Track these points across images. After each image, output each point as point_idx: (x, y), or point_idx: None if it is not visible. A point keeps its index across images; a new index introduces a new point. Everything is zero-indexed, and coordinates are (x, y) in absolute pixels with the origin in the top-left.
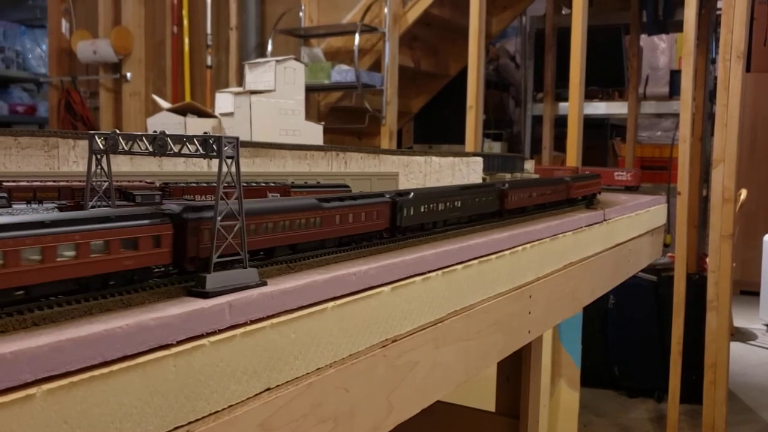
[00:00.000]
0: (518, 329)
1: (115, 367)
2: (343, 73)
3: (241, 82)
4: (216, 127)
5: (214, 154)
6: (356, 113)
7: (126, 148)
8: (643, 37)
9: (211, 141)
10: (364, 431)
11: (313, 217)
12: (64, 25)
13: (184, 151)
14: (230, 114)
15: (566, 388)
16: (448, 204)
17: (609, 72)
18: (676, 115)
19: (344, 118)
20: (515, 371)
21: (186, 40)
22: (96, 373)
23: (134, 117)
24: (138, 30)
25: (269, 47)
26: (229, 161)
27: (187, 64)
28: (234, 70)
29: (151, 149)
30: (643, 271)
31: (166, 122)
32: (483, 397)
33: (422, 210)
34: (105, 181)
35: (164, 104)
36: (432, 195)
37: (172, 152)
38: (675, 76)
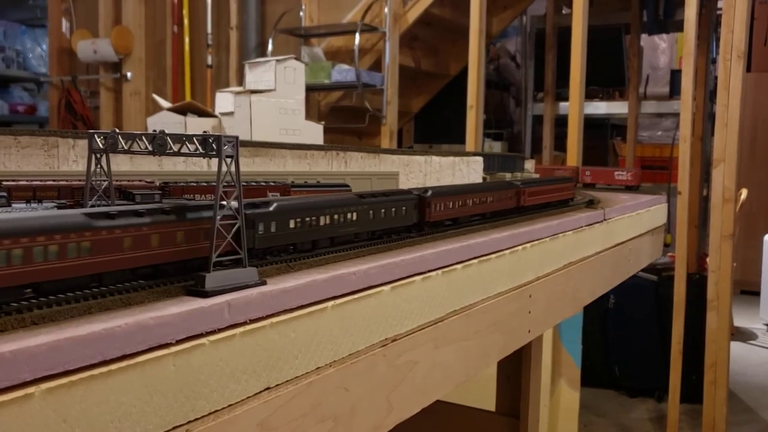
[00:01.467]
0: (518, 329)
1: (114, 366)
2: (343, 73)
3: (241, 81)
4: (216, 126)
5: (214, 153)
6: (356, 113)
7: (125, 148)
8: (644, 36)
9: (210, 140)
10: (364, 431)
11: (80, 240)
12: (65, 24)
13: (184, 150)
14: (230, 113)
15: (566, 388)
16: (336, 218)
17: (609, 72)
18: (677, 115)
19: (344, 118)
20: (515, 371)
21: (186, 40)
22: (95, 372)
23: (134, 117)
24: (138, 29)
25: (269, 47)
26: (228, 160)
27: (187, 63)
28: (234, 69)
29: (150, 148)
30: (643, 270)
31: (166, 121)
32: (483, 396)
33: (292, 226)
34: (104, 181)
35: (164, 104)
36: (305, 207)
37: (171, 151)
38: (675, 75)
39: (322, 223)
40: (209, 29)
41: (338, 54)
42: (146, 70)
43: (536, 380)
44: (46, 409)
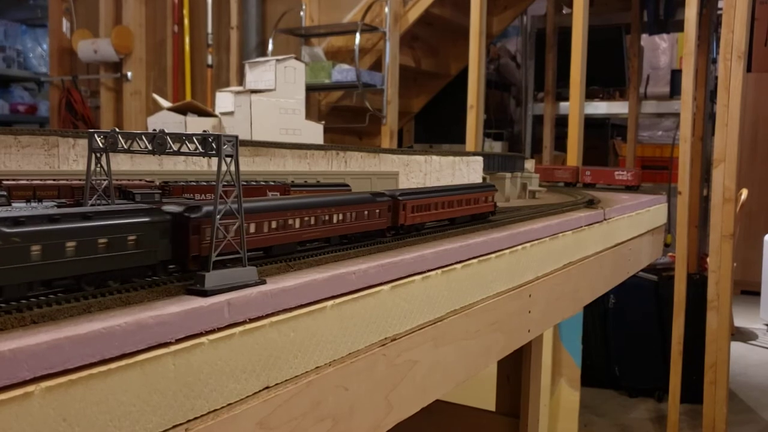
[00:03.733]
0: (518, 328)
1: (113, 365)
2: (343, 73)
3: (241, 81)
4: (216, 126)
5: (213, 152)
6: (357, 113)
7: (125, 147)
8: (644, 36)
9: (210, 139)
10: (363, 430)
11: None
12: (65, 24)
13: (184, 149)
14: (230, 113)
15: (566, 388)
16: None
17: (610, 71)
18: (677, 115)
19: (345, 118)
20: (515, 370)
21: (187, 40)
22: (95, 371)
23: (135, 116)
24: (139, 29)
25: (270, 46)
26: (228, 160)
27: (187, 63)
28: (235, 69)
29: (150, 148)
30: (643, 270)
31: (166, 121)
32: (483, 396)
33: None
34: (104, 180)
35: (165, 103)
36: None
37: (171, 151)
38: (676, 75)
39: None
40: (210, 29)
41: (338, 54)
42: (147, 69)
43: (536, 380)
44: (46, 407)
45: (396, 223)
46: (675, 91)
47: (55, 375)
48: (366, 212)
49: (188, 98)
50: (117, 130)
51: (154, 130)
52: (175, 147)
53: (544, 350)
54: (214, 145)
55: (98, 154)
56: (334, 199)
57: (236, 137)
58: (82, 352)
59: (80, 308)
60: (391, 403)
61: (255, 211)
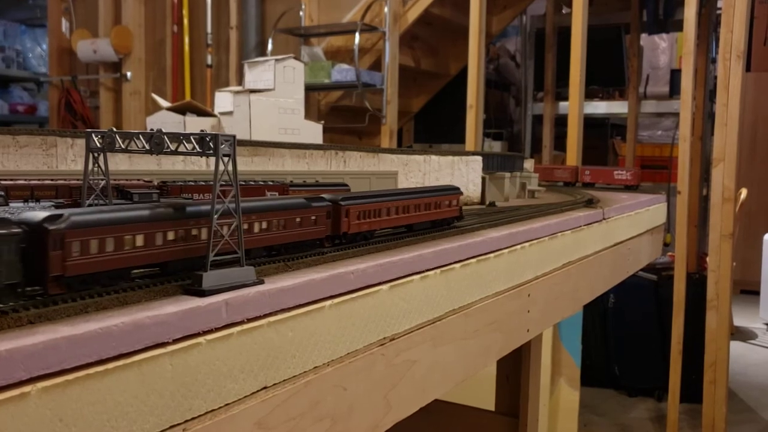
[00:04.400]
0: (517, 328)
1: (110, 366)
2: (343, 73)
3: (240, 81)
4: (215, 125)
5: (211, 152)
6: (356, 112)
7: (123, 146)
8: (644, 36)
9: (207, 139)
10: (362, 430)
11: None
12: (65, 24)
13: (181, 149)
14: (229, 113)
15: (566, 388)
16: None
17: (609, 71)
18: (677, 115)
19: (344, 118)
20: (515, 370)
21: (186, 39)
22: (91, 371)
23: (134, 116)
24: (138, 29)
25: (269, 46)
26: (225, 159)
27: (187, 63)
28: (234, 69)
29: (147, 147)
30: (643, 270)
31: (165, 121)
32: (482, 396)
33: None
34: (102, 180)
35: (164, 103)
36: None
37: (168, 150)
38: (675, 75)
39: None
40: (209, 29)
41: (338, 53)
42: (146, 69)
43: (535, 380)
44: (42, 408)
45: (337, 231)
46: (674, 90)
47: (52, 375)
48: (299, 219)
49: (187, 98)
50: (114, 129)
51: (152, 129)
52: (172, 147)
53: (544, 350)
54: (211, 144)
55: (96, 154)
56: (255, 204)
57: (233, 137)
58: (78, 353)
59: (77, 308)
60: (390, 402)
61: (120, 222)
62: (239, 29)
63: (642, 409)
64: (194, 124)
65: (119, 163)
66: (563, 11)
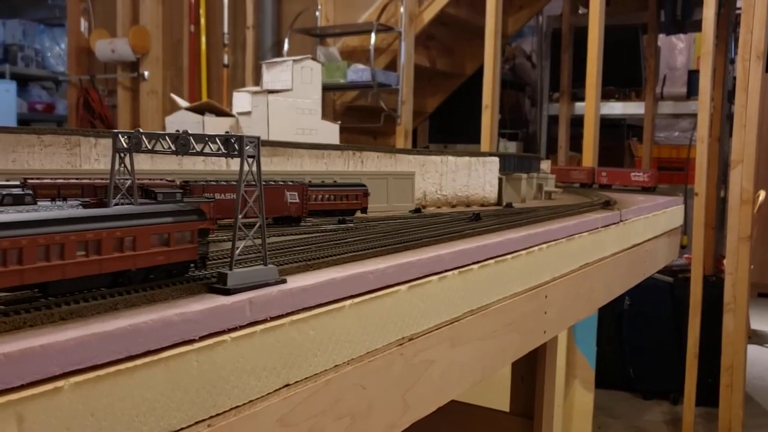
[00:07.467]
0: (534, 329)
1: (139, 362)
2: (358, 73)
3: (257, 80)
4: (233, 125)
5: (236, 153)
6: (371, 112)
7: (149, 147)
8: (661, 36)
9: (232, 140)
10: (380, 429)
11: None
12: (83, 24)
13: (206, 150)
14: (247, 113)
15: (581, 390)
16: None
17: (626, 72)
18: (694, 116)
19: (359, 117)
20: (530, 371)
21: (203, 39)
22: (121, 367)
23: (152, 115)
24: (156, 29)
25: (285, 46)
26: (250, 160)
27: (203, 62)
28: (250, 68)
29: (173, 148)
30: (659, 272)
31: (184, 121)
32: (497, 397)
33: None
34: (128, 179)
35: (183, 103)
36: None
37: (194, 151)
38: (693, 76)
39: None
40: (226, 29)
41: (354, 54)
42: (163, 69)
43: (551, 381)
44: (75, 402)
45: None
46: (692, 91)
47: (84, 371)
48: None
49: (204, 97)
50: (141, 130)
51: (177, 130)
52: (198, 148)
53: (558, 352)
54: (236, 146)
55: (122, 154)
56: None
57: (258, 138)
58: (109, 349)
59: (107, 305)
60: (408, 402)
61: None
62: (255, 29)
63: (657, 412)
64: (213, 124)
65: (141, 163)
66: (579, 11)
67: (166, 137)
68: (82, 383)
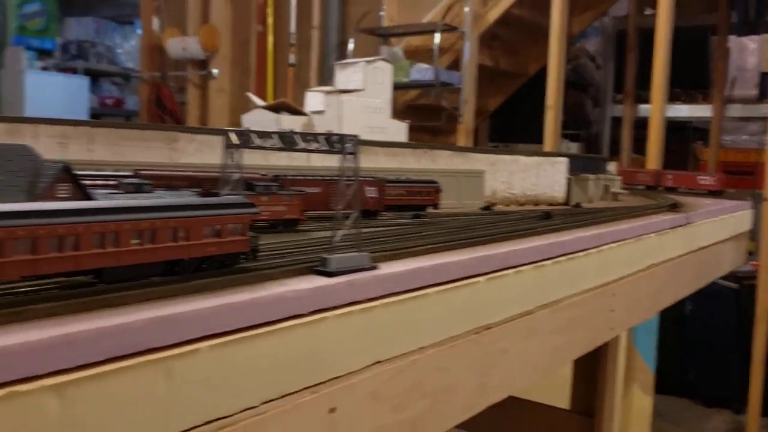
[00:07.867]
0: (601, 326)
1: (259, 331)
2: (422, 72)
3: (321, 80)
4: (307, 124)
5: (338, 150)
6: (432, 111)
7: (259, 144)
8: (731, 37)
9: (333, 139)
10: (458, 409)
11: None
12: (156, 22)
13: (310, 147)
14: (320, 112)
15: (639, 393)
16: None
17: (693, 73)
18: (765, 119)
19: (420, 116)
20: (591, 370)
21: (270, 39)
22: (246, 334)
23: (219, 113)
24: (225, 28)
25: (350, 46)
26: (349, 157)
27: (270, 62)
28: (315, 68)
29: (281, 145)
30: (723, 278)
31: (260, 119)
32: (555, 394)
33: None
34: (235, 173)
35: (259, 102)
36: None
37: (299, 148)
38: (765, 78)
39: None
40: (292, 28)
41: (416, 53)
42: (231, 67)
43: (612, 379)
44: (211, 362)
45: None
46: (764, 94)
47: (216, 335)
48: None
49: (269, 96)
50: (250, 129)
51: (291, 130)
52: (303, 145)
53: (619, 352)
54: (337, 144)
55: (232, 150)
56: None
57: (357, 137)
58: (236, 318)
59: (230, 281)
60: (484, 386)
61: None
62: (321, 29)
63: (719, 420)
64: (288, 122)
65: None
66: (646, 12)
67: (274, 135)
68: (215, 347)
